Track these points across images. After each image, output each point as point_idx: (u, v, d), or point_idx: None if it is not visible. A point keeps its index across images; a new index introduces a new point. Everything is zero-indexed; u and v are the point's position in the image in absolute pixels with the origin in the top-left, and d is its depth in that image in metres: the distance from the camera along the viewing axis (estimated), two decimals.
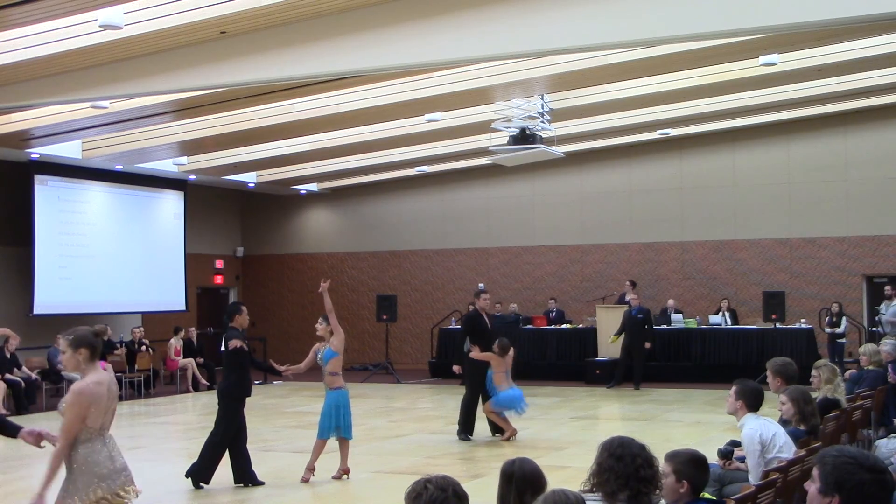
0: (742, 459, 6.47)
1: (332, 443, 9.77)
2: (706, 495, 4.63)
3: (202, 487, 9.39)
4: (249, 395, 9.74)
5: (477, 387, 12.37)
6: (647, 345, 18.41)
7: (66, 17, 10.86)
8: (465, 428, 12.35)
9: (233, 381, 9.62)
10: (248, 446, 9.74)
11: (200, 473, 9.42)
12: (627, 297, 19.40)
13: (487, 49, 10.42)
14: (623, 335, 18.61)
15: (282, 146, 19.13)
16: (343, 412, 9.64)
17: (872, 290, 20.04)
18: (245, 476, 9.51)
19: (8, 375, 16.14)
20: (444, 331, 21.49)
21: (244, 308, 9.97)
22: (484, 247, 23.42)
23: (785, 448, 6.16)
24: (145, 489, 9.65)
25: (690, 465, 4.45)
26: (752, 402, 6.35)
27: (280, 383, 19.70)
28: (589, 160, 22.18)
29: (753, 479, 5.97)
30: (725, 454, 6.64)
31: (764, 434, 6.14)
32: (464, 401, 12.48)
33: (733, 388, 6.45)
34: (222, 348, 9.78)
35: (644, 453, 4.15)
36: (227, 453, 9.57)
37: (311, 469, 9.64)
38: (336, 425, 9.60)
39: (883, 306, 18.18)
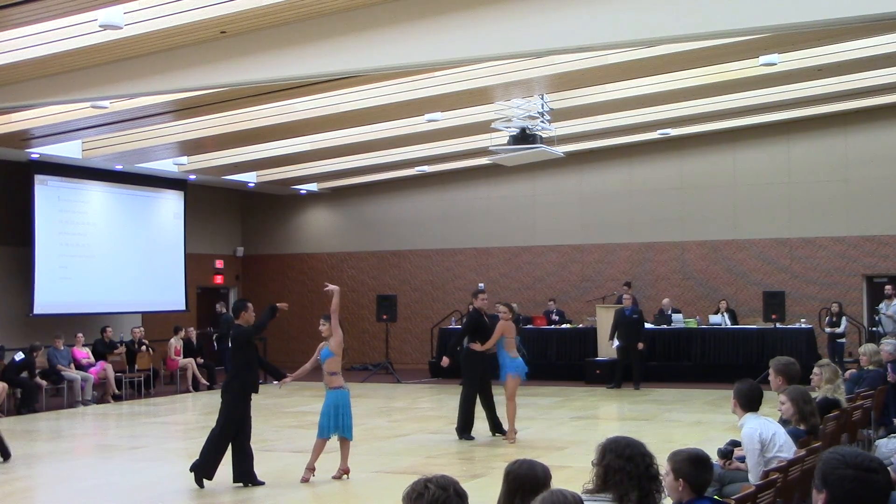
0: (742, 459, 6.47)
1: (333, 443, 9.77)
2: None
3: (203, 486, 9.37)
4: (255, 391, 9.70)
5: (474, 384, 12.31)
6: (640, 345, 18.37)
7: (66, 17, 10.86)
8: (465, 427, 12.31)
9: (234, 375, 9.63)
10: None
11: (203, 469, 9.41)
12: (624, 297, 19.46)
13: (487, 49, 10.42)
14: (617, 336, 18.62)
15: (282, 146, 19.13)
16: (342, 412, 9.62)
17: (872, 290, 20.04)
18: (245, 475, 9.49)
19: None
20: (444, 331, 21.46)
21: (250, 305, 9.96)
22: (484, 247, 23.42)
23: (785, 448, 6.16)
24: (145, 489, 9.72)
25: (687, 464, 4.45)
26: (747, 402, 6.36)
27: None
28: (589, 160, 22.18)
29: (753, 478, 5.97)
30: (725, 454, 6.64)
31: (763, 434, 6.14)
32: (462, 399, 12.42)
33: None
34: (228, 345, 9.76)
35: (648, 452, 4.17)
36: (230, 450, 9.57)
37: (311, 469, 9.64)
38: (336, 425, 9.60)
39: (883, 305, 18.19)
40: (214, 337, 20.60)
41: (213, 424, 9.69)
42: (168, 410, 17.07)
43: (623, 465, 4.11)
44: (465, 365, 12.51)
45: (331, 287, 10.01)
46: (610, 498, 4.12)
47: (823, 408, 7.68)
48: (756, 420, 6.27)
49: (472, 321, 12.76)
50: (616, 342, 18.71)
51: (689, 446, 4.77)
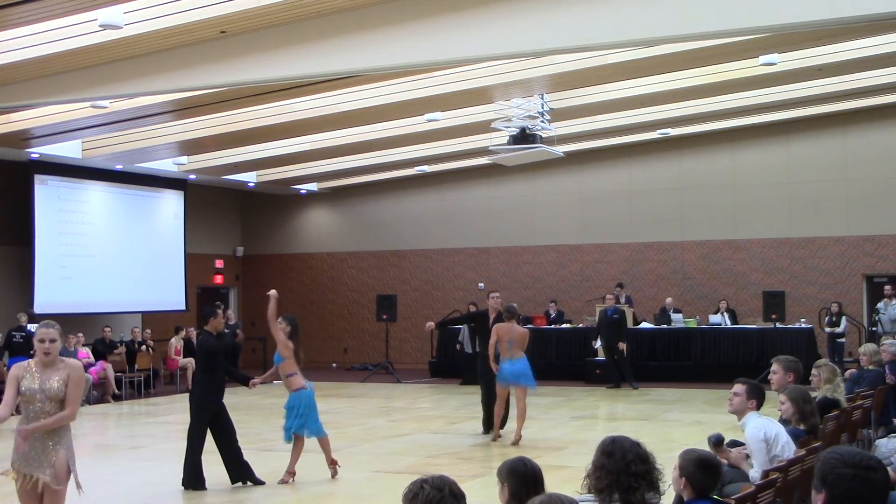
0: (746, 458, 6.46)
1: (336, 443, 9.77)
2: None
3: (206, 488, 9.35)
4: (220, 397, 9.51)
5: (491, 383, 12.30)
6: (622, 345, 18.34)
7: (66, 17, 10.87)
8: (489, 426, 12.43)
9: (199, 382, 9.60)
10: (249, 446, 9.71)
11: (189, 479, 9.36)
12: (622, 298, 19.51)
13: (487, 49, 10.42)
14: (599, 335, 18.70)
15: (282, 146, 19.14)
16: (305, 412, 9.53)
17: (872, 290, 20.04)
18: (241, 474, 9.47)
19: None
20: (444, 331, 21.47)
21: (220, 312, 9.79)
22: (484, 246, 23.43)
23: (786, 448, 6.18)
24: (145, 489, 9.71)
25: (694, 465, 4.46)
26: (761, 401, 6.44)
27: (279, 383, 19.67)
28: (589, 160, 22.18)
29: (757, 474, 6.00)
30: (717, 442, 6.40)
31: (768, 432, 6.18)
32: (482, 400, 12.63)
33: (741, 387, 6.43)
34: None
35: (637, 450, 4.13)
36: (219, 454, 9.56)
37: (290, 473, 9.61)
38: (301, 424, 9.53)
39: (882, 305, 18.18)
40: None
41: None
42: (168, 410, 17.05)
43: (604, 462, 4.11)
44: (481, 367, 12.60)
45: (271, 293, 9.89)
46: (595, 498, 4.11)
47: (823, 407, 7.68)
48: (759, 419, 6.29)
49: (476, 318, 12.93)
50: (599, 342, 18.78)
51: (689, 447, 4.77)
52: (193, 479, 9.35)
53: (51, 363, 5.88)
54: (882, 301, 18.30)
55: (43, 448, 5.83)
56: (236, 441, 9.55)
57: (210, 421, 9.44)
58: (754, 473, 6.14)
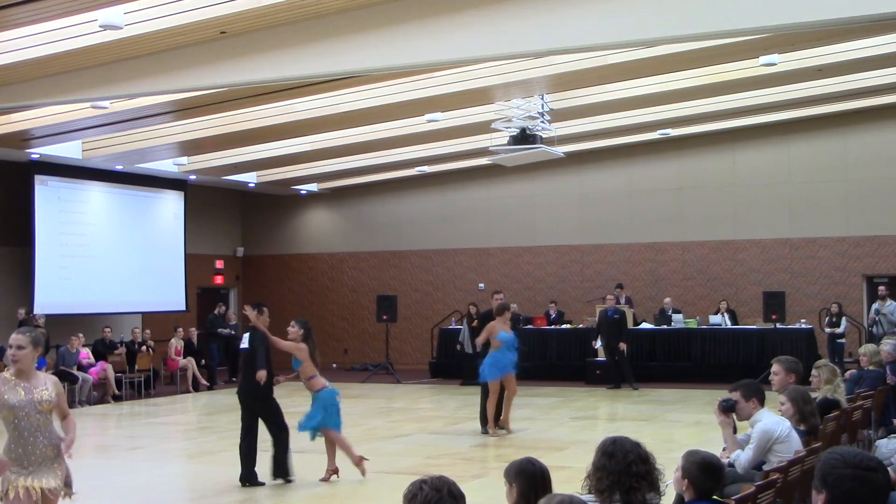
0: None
1: (318, 444, 9.81)
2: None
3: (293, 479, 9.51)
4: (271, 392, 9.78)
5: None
6: (622, 345, 18.35)
7: (67, 18, 10.87)
8: (484, 421, 12.77)
9: (270, 378, 9.74)
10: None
11: (282, 466, 9.53)
12: (622, 299, 19.51)
13: (487, 49, 10.42)
14: (599, 336, 18.77)
15: (282, 146, 19.14)
16: (323, 406, 9.65)
17: (872, 291, 20.03)
18: (247, 477, 9.51)
19: None
20: (444, 331, 21.49)
21: (265, 309, 10.02)
22: (484, 247, 23.42)
23: (795, 447, 6.26)
24: (145, 489, 9.71)
25: (697, 468, 4.47)
26: (762, 397, 6.51)
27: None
28: (589, 160, 22.18)
29: (746, 461, 6.21)
30: (728, 407, 6.43)
31: (780, 431, 6.27)
32: (482, 396, 12.96)
33: (737, 394, 6.49)
34: (243, 345, 9.83)
35: (638, 450, 4.14)
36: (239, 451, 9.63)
37: (332, 470, 9.71)
38: (323, 420, 9.66)
39: (877, 305, 18.17)
40: (199, 334, 20.71)
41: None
42: (168, 411, 17.05)
43: (605, 463, 4.12)
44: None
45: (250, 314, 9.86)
46: (595, 499, 4.11)
47: (823, 408, 7.68)
48: (775, 416, 6.39)
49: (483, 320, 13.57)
50: (599, 342, 18.81)
51: (690, 447, 4.77)
52: (285, 468, 9.54)
53: (25, 371, 5.61)
54: (877, 302, 18.31)
55: (45, 459, 5.65)
56: (256, 442, 9.64)
57: (248, 414, 9.65)
58: (743, 458, 6.22)
